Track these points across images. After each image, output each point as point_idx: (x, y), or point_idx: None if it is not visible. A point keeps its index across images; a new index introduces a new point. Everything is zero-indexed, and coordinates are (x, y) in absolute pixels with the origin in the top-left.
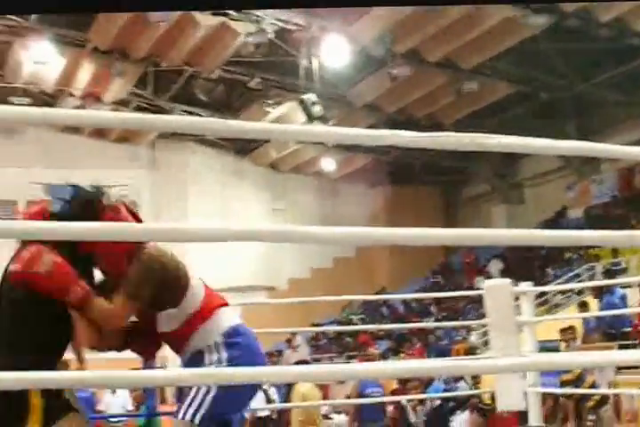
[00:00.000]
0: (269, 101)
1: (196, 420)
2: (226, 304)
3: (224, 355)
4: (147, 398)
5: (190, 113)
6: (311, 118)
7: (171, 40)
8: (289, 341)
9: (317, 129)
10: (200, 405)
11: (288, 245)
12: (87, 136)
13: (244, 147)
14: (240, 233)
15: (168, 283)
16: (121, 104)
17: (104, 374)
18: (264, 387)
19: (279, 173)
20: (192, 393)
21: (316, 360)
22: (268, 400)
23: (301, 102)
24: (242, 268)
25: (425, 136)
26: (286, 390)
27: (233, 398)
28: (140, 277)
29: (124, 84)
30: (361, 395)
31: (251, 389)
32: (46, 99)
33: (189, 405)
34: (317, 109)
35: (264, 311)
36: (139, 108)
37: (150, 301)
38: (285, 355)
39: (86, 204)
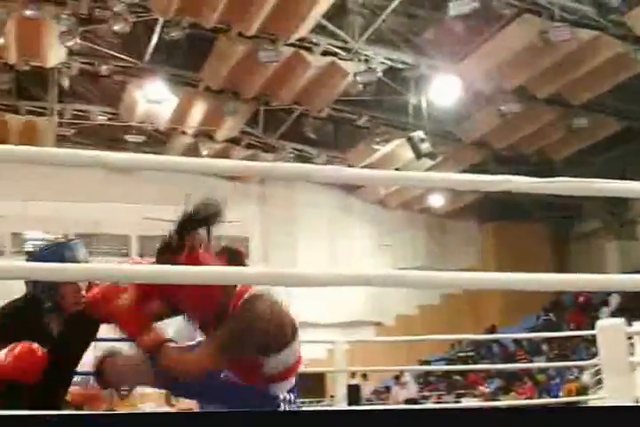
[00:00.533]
0: (377, 139)
1: None
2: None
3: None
4: None
5: (299, 151)
6: (419, 155)
7: (281, 80)
8: (397, 377)
9: (427, 175)
10: None
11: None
12: (199, 173)
13: (352, 183)
14: (350, 278)
15: (274, 335)
16: (232, 142)
17: None
18: None
19: (387, 208)
20: None
21: (425, 398)
22: None
23: (409, 139)
24: (350, 303)
25: (538, 182)
26: None
27: None
28: (243, 330)
29: (235, 122)
30: None
31: None
32: (159, 137)
33: None
34: (426, 146)
35: (372, 347)
36: (249, 146)
37: (248, 354)
38: (393, 392)
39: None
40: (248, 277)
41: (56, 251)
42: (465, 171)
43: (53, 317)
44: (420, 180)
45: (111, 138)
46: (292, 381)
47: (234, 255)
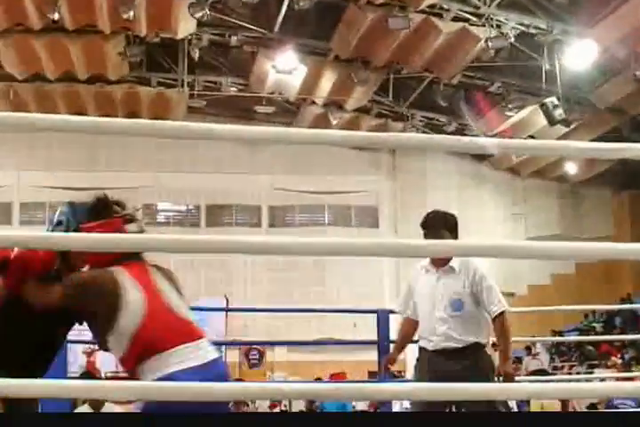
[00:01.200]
0: (510, 106)
1: None
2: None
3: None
4: None
5: (430, 119)
6: (552, 122)
7: (411, 47)
8: (528, 348)
9: (554, 143)
10: None
11: None
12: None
13: None
14: (477, 248)
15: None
16: (362, 111)
17: None
18: None
19: (519, 177)
20: None
21: (556, 369)
22: (508, 409)
23: (542, 106)
24: None
25: None
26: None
27: None
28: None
29: (365, 91)
30: (608, 407)
31: None
32: (289, 107)
33: None
34: (559, 113)
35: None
36: (379, 115)
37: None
38: (524, 362)
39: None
40: (362, 248)
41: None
42: (599, 137)
43: None
44: (546, 148)
45: (241, 109)
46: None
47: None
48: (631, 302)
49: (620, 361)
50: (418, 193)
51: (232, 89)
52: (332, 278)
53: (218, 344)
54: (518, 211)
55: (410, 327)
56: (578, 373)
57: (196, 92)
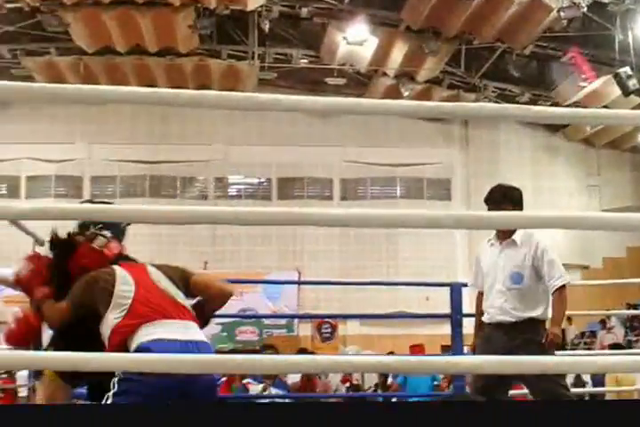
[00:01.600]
0: (584, 76)
1: None
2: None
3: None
4: None
5: (502, 89)
6: (626, 92)
7: (483, 17)
8: (603, 322)
9: (629, 113)
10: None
11: None
12: (401, 115)
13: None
14: (549, 220)
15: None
16: (433, 82)
17: None
18: None
19: (593, 148)
20: None
21: (630, 343)
22: (582, 383)
23: (616, 76)
24: (555, 246)
25: None
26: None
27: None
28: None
29: (436, 62)
30: None
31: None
32: (360, 79)
33: None
34: (633, 83)
35: (577, 291)
36: (451, 86)
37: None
38: (599, 336)
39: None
40: (434, 220)
41: None
42: None
43: None
44: (619, 118)
45: (312, 81)
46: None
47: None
48: None
49: None
50: (490, 165)
51: (303, 61)
52: (404, 252)
53: (290, 318)
54: (592, 183)
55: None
56: None
57: (266, 65)
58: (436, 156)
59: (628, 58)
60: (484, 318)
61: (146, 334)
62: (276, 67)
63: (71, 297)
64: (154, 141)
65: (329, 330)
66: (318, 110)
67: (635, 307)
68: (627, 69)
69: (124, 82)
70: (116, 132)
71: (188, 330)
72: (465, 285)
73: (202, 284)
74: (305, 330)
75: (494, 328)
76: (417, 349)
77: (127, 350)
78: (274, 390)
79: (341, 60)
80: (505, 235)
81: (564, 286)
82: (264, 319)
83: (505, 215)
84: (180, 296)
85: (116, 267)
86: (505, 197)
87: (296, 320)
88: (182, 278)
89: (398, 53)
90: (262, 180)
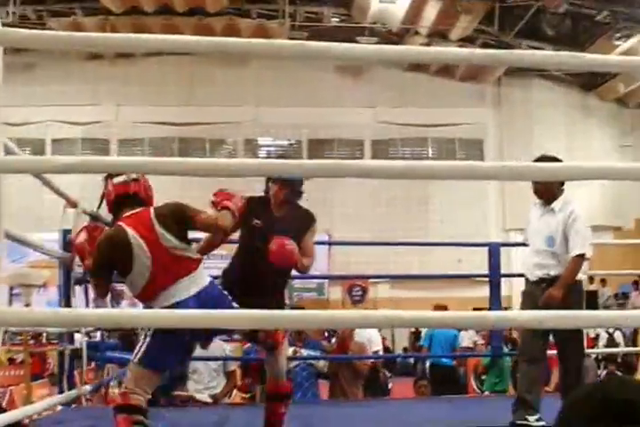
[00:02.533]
0: (618, 35)
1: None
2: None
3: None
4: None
5: (536, 48)
6: None
7: None
8: (636, 283)
9: None
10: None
11: (636, 184)
12: (433, 75)
13: (590, 82)
14: (591, 171)
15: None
16: (467, 41)
17: None
18: (609, 330)
19: (627, 108)
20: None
21: None
22: (614, 343)
23: None
24: (588, 207)
25: None
26: (632, 333)
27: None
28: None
29: (470, 21)
30: None
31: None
32: (392, 38)
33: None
34: None
35: (610, 252)
36: (485, 45)
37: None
38: (632, 297)
39: None
40: (485, 170)
41: None
42: None
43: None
44: None
45: (343, 40)
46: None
47: None
48: None
49: None
50: (524, 125)
51: (334, 20)
52: (435, 214)
53: (320, 279)
54: (626, 142)
55: None
56: None
57: (297, 24)
58: (468, 116)
59: None
60: (527, 276)
61: (164, 299)
62: (306, 26)
63: (96, 253)
64: (182, 103)
65: (359, 293)
66: (370, 59)
67: None
68: None
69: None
70: (144, 93)
71: (193, 282)
72: (503, 244)
73: (201, 227)
74: (335, 293)
75: (533, 284)
76: (440, 309)
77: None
78: (305, 352)
79: (373, 18)
80: (546, 202)
81: (582, 255)
82: (294, 282)
83: (540, 167)
84: (179, 247)
85: (127, 225)
86: None
87: (326, 283)
88: (181, 221)
89: (431, 11)
90: (292, 141)
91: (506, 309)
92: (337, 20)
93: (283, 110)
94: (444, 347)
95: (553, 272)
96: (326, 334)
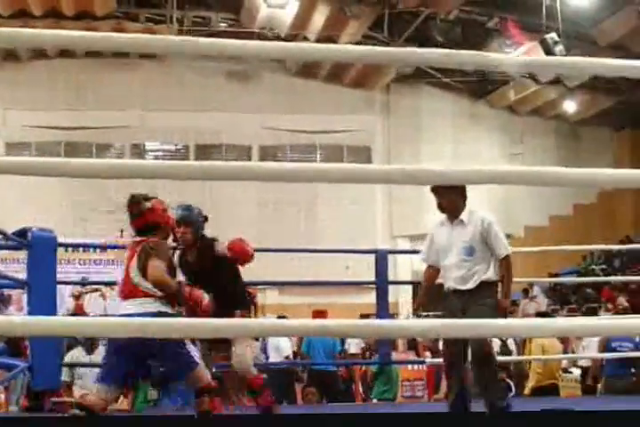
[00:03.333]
0: (509, 42)
1: None
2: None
3: None
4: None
5: None
6: None
7: None
8: (525, 291)
9: (573, 60)
10: None
11: (526, 192)
12: (322, 81)
13: (480, 89)
14: (484, 174)
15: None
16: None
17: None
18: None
19: (517, 115)
20: None
21: (554, 311)
22: (508, 350)
23: (542, 42)
24: None
25: None
26: (522, 341)
27: None
28: None
29: (358, 26)
30: (607, 349)
31: None
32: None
33: None
34: (559, 49)
35: None
36: None
37: None
38: (521, 305)
39: None
40: (377, 174)
41: None
42: (599, 76)
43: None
44: (563, 66)
45: None
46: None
47: None
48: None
49: (626, 303)
50: (412, 132)
51: (222, 25)
52: (323, 220)
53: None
54: (516, 150)
55: (433, 273)
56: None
57: (185, 28)
58: (356, 123)
59: (555, 23)
60: (445, 288)
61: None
62: (194, 31)
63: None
64: (70, 107)
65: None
66: (256, 55)
67: (557, 276)
68: (553, 35)
69: (40, 46)
70: (32, 97)
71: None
72: (390, 251)
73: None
74: None
75: (454, 295)
76: (319, 315)
77: None
78: None
79: (261, 23)
80: (453, 216)
81: (507, 256)
82: None
83: (426, 170)
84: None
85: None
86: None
87: None
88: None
89: (320, 17)
90: (179, 146)
91: (393, 316)
92: (225, 24)
93: (170, 115)
94: (327, 353)
95: (485, 276)
96: None
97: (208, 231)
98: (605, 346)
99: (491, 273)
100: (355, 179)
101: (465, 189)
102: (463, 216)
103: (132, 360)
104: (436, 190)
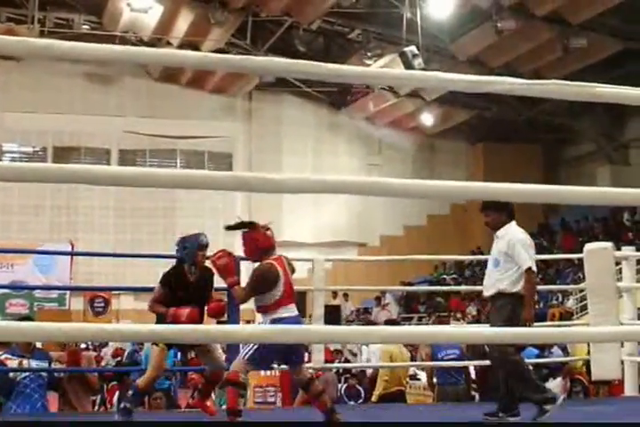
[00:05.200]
0: (369, 54)
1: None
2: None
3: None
4: None
5: None
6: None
7: None
8: (378, 299)
9: (418, 74)
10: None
11: (382, 201)
12: (184, 86)
13: (340, 100)
14: (334, 185)
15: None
16: (219, 54)
17: None
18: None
19: (376, 127)
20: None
21: (405, 320)
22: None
23: (402, 55)
24: (335, 224)
25: (533, 84)
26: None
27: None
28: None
29: (222, 33)
30: (434, 358)
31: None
32: (143, 47)
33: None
34: (418, 62)
35: (355, 268)
36: None
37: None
38: (374, 313)
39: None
40: (218, 181)
41: None
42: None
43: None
44: (409, 79)
45: None
46: (290, 306)
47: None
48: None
49: (475, 312)
50: (273, 140)
51: (84, 27)
52: (181, 226)
53: (61, 289)
54: (373, 161)
55: None
56: (427, 324)
57: (46, 30)
58: (218, 129)
59: (415, 37)
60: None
61: (283, 312)
62: (56, 32)
63: (253, 284)
64: None
65: (102, 304)
66: (97, 58)
67: (409, 285)
68: (413, 48)
69: None
70: None
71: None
72: (243, 259)
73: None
74: (77, 304)
75: (489, 301)
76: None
77: None
78: (34, 363)
79: (124, 27)
80: (494, 231)
81: (529, 269)
82: (35, 292)
83: (292, 178)
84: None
85: (274, 262)
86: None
87: (68, 293)
88: None
89: (183, 23)
90: (38, 148)
91: (249, 321)
92: (88, 27)
93: (28, 116)
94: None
95: (502, 287)
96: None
97: (66, 237)
98: (432, 355)
99: (507, 284)
100: (183, 185)
101: (511, 209)
102: (500, 232)
103: None
104: (482, 209)
